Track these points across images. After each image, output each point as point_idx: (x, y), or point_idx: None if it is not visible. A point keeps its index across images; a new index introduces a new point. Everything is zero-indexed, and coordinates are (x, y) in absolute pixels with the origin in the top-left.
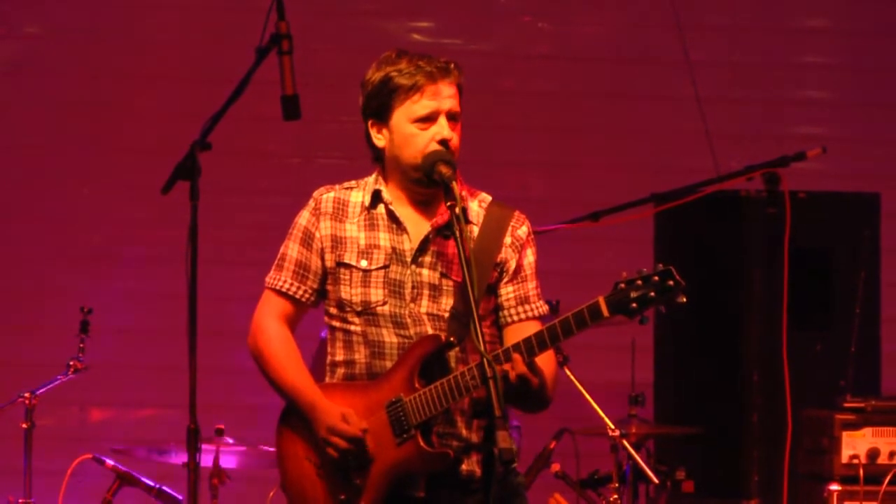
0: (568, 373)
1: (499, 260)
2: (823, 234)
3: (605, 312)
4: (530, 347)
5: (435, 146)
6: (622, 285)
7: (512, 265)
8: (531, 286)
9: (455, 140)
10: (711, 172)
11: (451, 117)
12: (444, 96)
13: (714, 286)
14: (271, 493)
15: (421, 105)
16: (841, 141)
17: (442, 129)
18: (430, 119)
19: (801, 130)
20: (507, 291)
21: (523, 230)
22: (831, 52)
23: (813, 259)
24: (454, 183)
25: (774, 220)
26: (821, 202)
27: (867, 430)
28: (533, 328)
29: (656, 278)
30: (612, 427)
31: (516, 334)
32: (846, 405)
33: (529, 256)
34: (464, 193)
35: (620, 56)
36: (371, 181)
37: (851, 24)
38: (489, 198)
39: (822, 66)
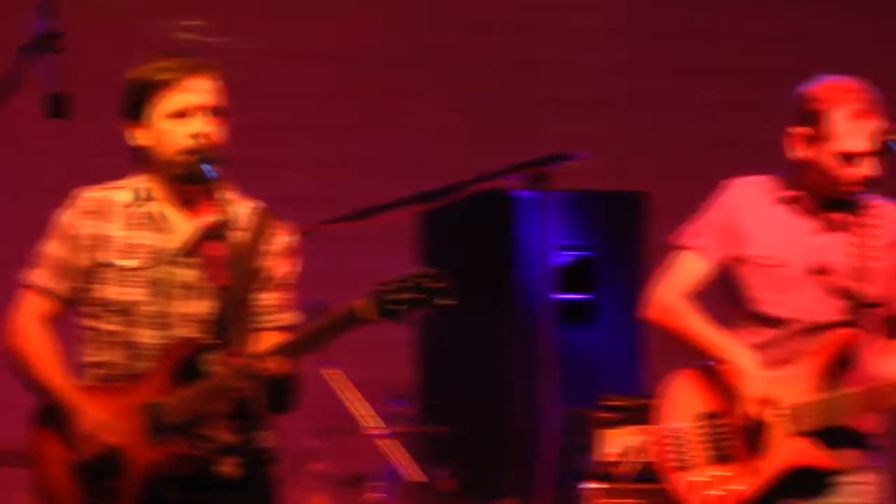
0: (331, 371)
1: (261, 266)
2: (591, 232)
3: (370, 314)
4: (293, 349)
5: (191, 141)
6: (386, 286)
7: (273, 273)
8: (286, 296)
9: (215, 134)
10: (479, 171)
11: (211, 112)
12: (199, 90)
13: (480, 285)
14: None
15: (175, 100)
16: (610, 140)
17: (197, 123)
18: (185, 114)
19: (570, 128)
20: (264, 298)
21: (286, 239)
22: (602, 51)
23: (580, 258)
24: (218, 182)
25: (542, 219)
26: (589, 201)
27: (627, 428)
28: (284, 337)
29: (423, 279)
30: (374, 425)
31: (267, 341)
32: (606, 403)
33: (290, 266)
34: (230, 195)
35: (386, 55)
36: (137, 180)
37: (622, 24)
38: (256, 203)
39: (593, 65)
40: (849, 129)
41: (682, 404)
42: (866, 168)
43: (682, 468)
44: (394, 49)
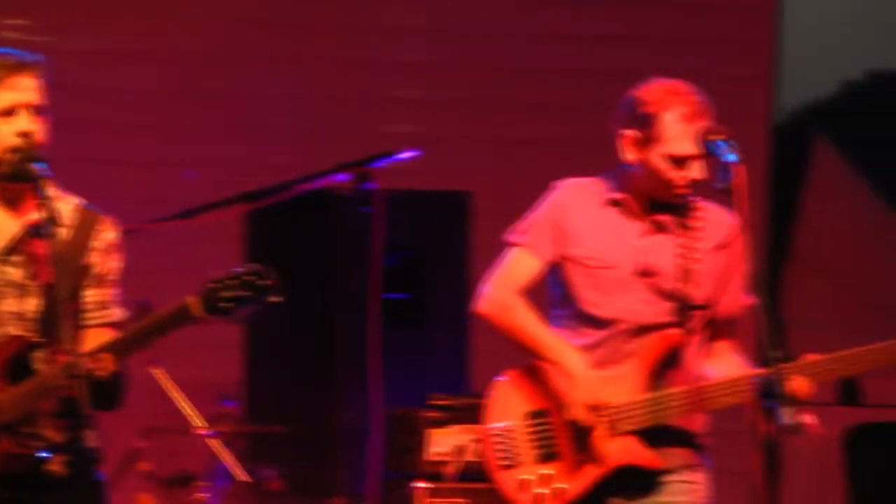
0: (158, 371)
1: (85, 263)
2: (416, 232)
3: (199, 312)
4: (121, 347)
5: (17, 140)
6: (215, 284)
7: (97, 269)
8: (111, 292)
9: (39, 133)
10: (305, 170)
11: (35, 110)
12: (23, 89)
13: (307, 285)
14: None
15: (0, 98)
16: (433, 140)
17: (23, 122)
18: (10, 112)
19: (395, 129)
20: (89, 295)
21: (110, 235)
22: (424, 51)
23: (406, 257)
24: (43, 181)
25: (367, 219)
26: (413, 201)
27: (454, 428)
28: (109, 334)
29: (249, 277)
30: (202, 425)
31: (94, 338)
32: (434, 403)
33: (113, 262)
34: (54, 193)
35: (211, 55)
36: None
37: (441, 22)
38: (79, 201)
39: (415, 64)
40: (679, 133)
41: (510, 403)
42: (695, 171)
43: (510, 467)
44: (220, 49)
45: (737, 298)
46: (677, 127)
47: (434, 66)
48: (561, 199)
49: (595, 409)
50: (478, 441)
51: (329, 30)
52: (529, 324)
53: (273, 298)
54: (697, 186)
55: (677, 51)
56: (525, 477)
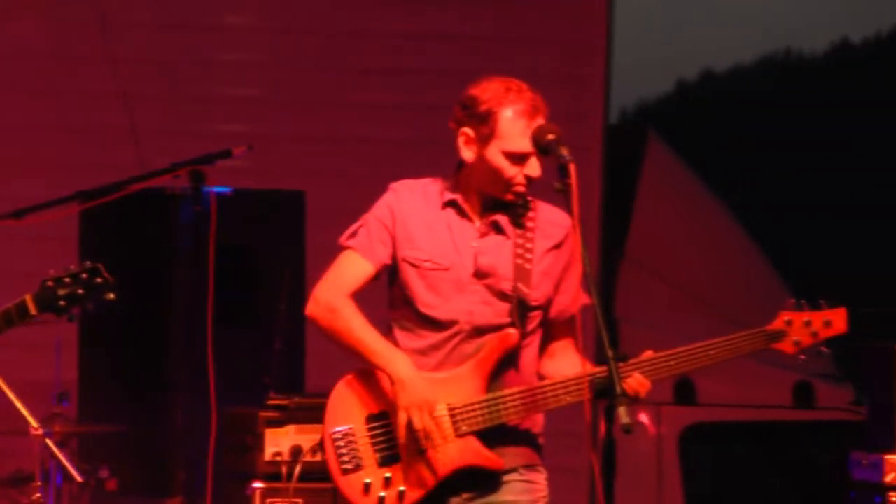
0: None
1: None
2: (249, 231)
3: (33, 310)
4: None
5: None
6: (50, 283)
7: None
8: None
9: None
10: (138, 169)
11: None
12: None
13: (140, 284)
14: None
15: None
16: (266, 138)
17: None
18: None
19: (227, 127)
20: None
21: None
22: (253, 50)
23: (239, 257)
24: None
25: (200, 218)
26: (246, 200)
27: (291, 428)
28: None
29: (84, 275)
30: (35, 425)
31: None
32: (270, 402)
33: None
34: None
35: (44, 52)
36: None
37: (272, 21)
38: None
39: (246, 63)
40: (516, 129)
41: (350, 406)
42: (532, 168)
43: (353, 470)
44: (58, 48)
45: (573, 298)
46: (514, 123)
47: (267, 64)
48: (395, 201)
49: (426, 409)
50: (322, 445)
51: (160, 28)
52: (356, 327)
53: (108, 297)
54: (533, 185)
55: (511, 50)
56: (368, 480)
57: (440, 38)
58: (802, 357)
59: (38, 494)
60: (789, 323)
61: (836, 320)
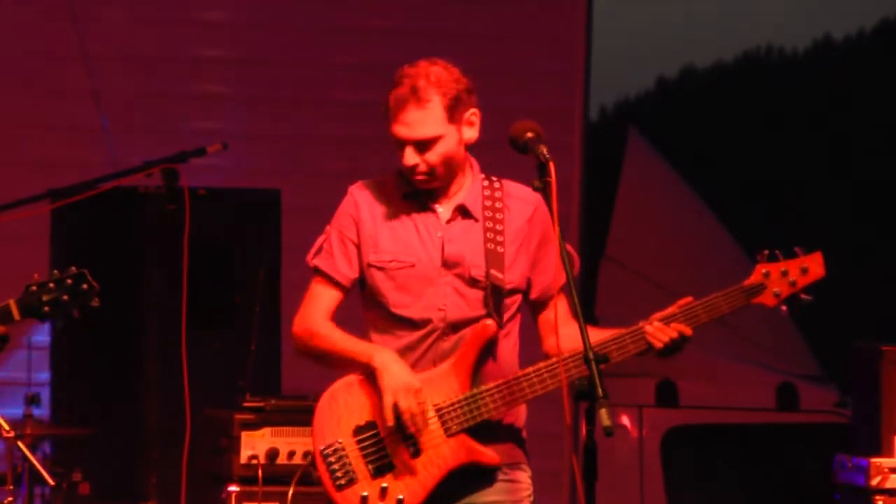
0: None
1: None
2: (224, 231)
3: (17, 315)
4: None
5: None
6: (34, 288)
7: None
8: None
9: None
10: (110, 167)
11: None
12: None
13: (113, 284)
14: None
15: None
16: (240, 136)
17: None
18: None
19: (201, 125)
20: None
21: None
22: (228, 46)
23: (213, 256)
24: None
25: (174, 217)
26: (221, 199)
27: (266, 430)
28: None
29: (69, 281)
30: (7, 428)
31: None
32: (245, 405)
33: None
34: None
35: (15, 48)
36: None
37: (248, 17)
38: None
39: (220, 59)
40: (393, 115)
41: (336, 420)
42: (408, 157)
43: (347, 485)
44: (29, 44)
45: (554, 277)
46: (394, 109)
47: (241, 62)
48: (354, 205)
49: (410, 392)
50: (311, 462)
51: (132, 25)
52: (337, 339)
53: (93, 304)
54: (413, 173)
55: (490, 47)
56: (365, 493)
57: (418, 35)
58: (784, 308)
59: (10, 498)
60: (767, 275)
61: (813, 266)
